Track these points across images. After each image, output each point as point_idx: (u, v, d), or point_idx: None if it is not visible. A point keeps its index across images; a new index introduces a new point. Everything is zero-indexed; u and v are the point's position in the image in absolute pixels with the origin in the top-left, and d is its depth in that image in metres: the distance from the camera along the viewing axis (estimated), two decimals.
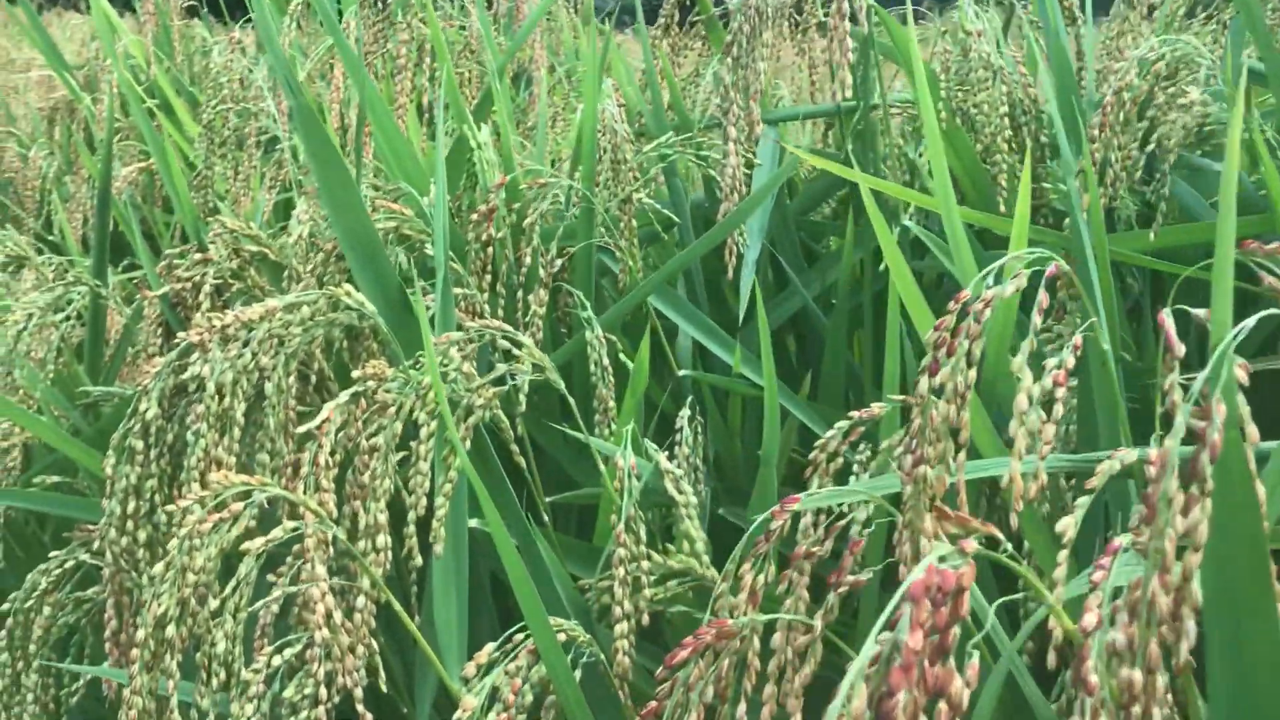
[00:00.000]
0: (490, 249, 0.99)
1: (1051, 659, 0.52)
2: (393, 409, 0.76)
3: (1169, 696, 0.45)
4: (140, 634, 0.68)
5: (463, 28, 1.52)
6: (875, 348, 1.07)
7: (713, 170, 1.12)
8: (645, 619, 0.76)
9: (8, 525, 1.10)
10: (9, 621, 0.92)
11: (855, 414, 0.73)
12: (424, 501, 0.76)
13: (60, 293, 1.14)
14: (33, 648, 0.92)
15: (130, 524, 0.82)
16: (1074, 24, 1.24)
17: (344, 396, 0.76)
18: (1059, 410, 0.55)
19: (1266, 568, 0.48)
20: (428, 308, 0.85)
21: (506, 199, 1.01)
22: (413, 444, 0.77)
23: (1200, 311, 0.52)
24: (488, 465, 0.81)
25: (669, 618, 0.83)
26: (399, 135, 1.04)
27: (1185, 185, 1.01)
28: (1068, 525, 0.51)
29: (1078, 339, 0.56)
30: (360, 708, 0.72)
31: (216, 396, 0.80)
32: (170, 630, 0.68)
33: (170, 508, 0.71)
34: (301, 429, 0.76)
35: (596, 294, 1.05)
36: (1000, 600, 0.53)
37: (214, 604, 0.69)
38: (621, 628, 0.74)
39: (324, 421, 0.74)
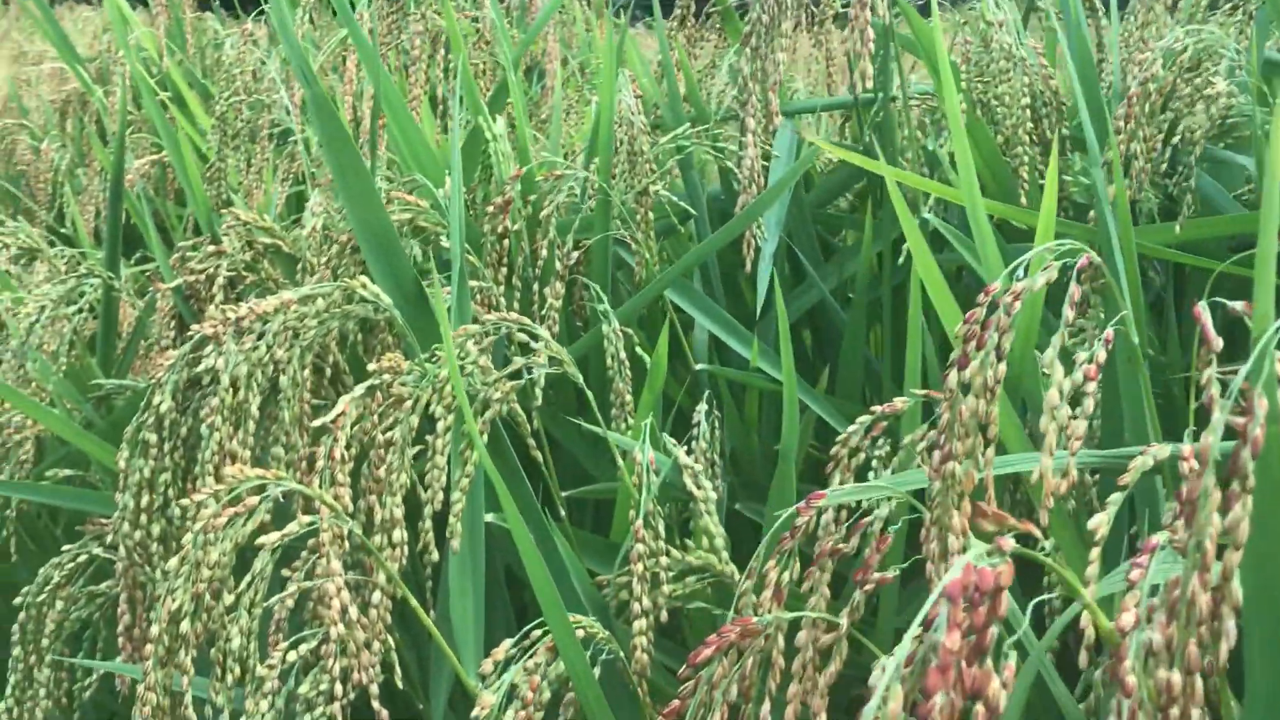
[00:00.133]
0: (506, 241, 0.98)
1: (1083, 659, 0.51)
2: (409, 402, 0.75)
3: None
4: (154, 629, 0.67)
5: (475, 20, 1.51)
6: (894, 342, 1.06)
7: (729, 162, 1.11)
8: (664, 615, 0.75)
9: (20, 518, 1.10)
10: (21, 615, 0.92)
11: (877, 409, 0.72)
12: (440, 496, 0.75)
13: (73, 285, 1.13)
14: (45, 642, 0.92)
15: (144, 518, 0.81)
16: (1094, 16, 1.23)
17: (359, 390, 0.76)
18: (1090, 405, 0.54)
19: None
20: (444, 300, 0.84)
21: (522, 191, 1.00)
22: (429, 438, 0.76)
23: (1237, 304, 0.51)
24: (504, 459, 0.80)
25: (687, 614, 0.83)
26: (414, 127, 1.03)
27: (1208, 178, 1.00)
28: (1100, 522, 0.50)
29: (1109, 333, 0.55)
30: (376, 704, 0.71)
31: (231, 389, 0.79)
32: (185, 625, 0.67)
33: (185, 502, 0.70)
34: (316, 422, 0.75)
35: (612, 287, 1.04)
36: (1033, 600, 0.52)
37: (229, 599, 0.69)
38: (640, 624, 0.73)
39: (339, 415, 0.74)
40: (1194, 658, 0.42)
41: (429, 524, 0.77)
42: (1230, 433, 0.44)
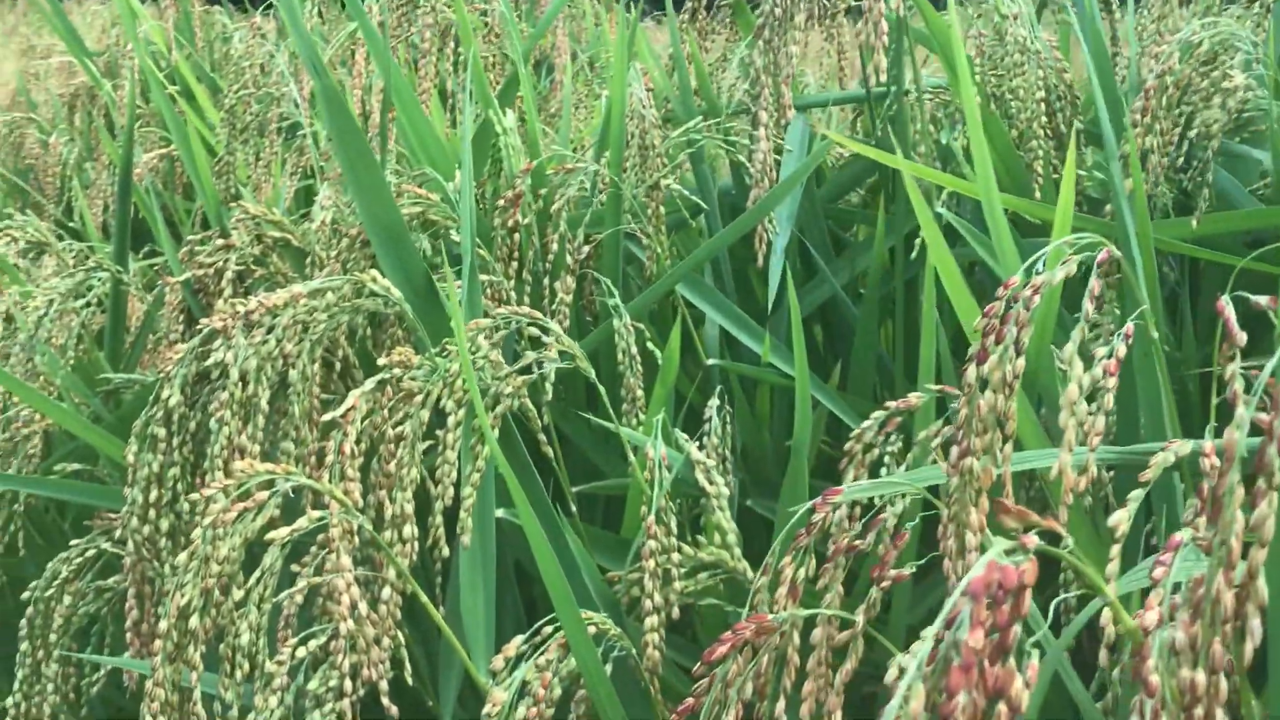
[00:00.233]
0: (516, 235, 0.97)
1: (1103, 657, 0.50)
2: (419, 397, 0.75)
3: None
4: (163, 624, 0.67)
5: (484, 14, 1.50)
6: (907, 338, 1.05)
7: (741, 156, 1.10)
8: (676, 612, 0.75)
9: (28, 513, 1.10)
10: (29, 610, 0.91)
11: (892, 404, 0.71)
12: (451, 491, 0.74)
13: (81, 279, 1.13)
14: (53, 637, 0.92)
15: (152, 512, 0.81)
16: (1109, 10, 1.22)
17: (370, 384, 0.75)
18: (1109, 401, 0.54)
19: None
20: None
21: (532, 185, 0.99)
22: (439, 433, 0.75)
23: (1262, 299, 0.50)
24: (515, 455, 0.79)
25: (699, 610, 0.82)
26: (424, 119, 1.02)
27: (1224, 172, 0.99)
28: (1120, 519, 0.49)
29: (1129, 327, 0.55)
30: (385, 700, 0.71)
31: (240, 383, 0.78)
32: (194, 621, 0.67)
33: (194, 496, 0.70)
34: (326, 417, 0.75)
35: (622, 282, 1.03)
36: (1045, 598, 0.52)
37: (238, 594, 0.68)
38: (652, 621, 0.73)
39: (350, 410, 0.73)
40: (1218, 657, 0.41)
41: (439, 519, 0.76)
42: (1254, 429, 0.43)
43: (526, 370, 0.80)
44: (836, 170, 1.22)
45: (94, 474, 1.06)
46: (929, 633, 0.36)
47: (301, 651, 0.69)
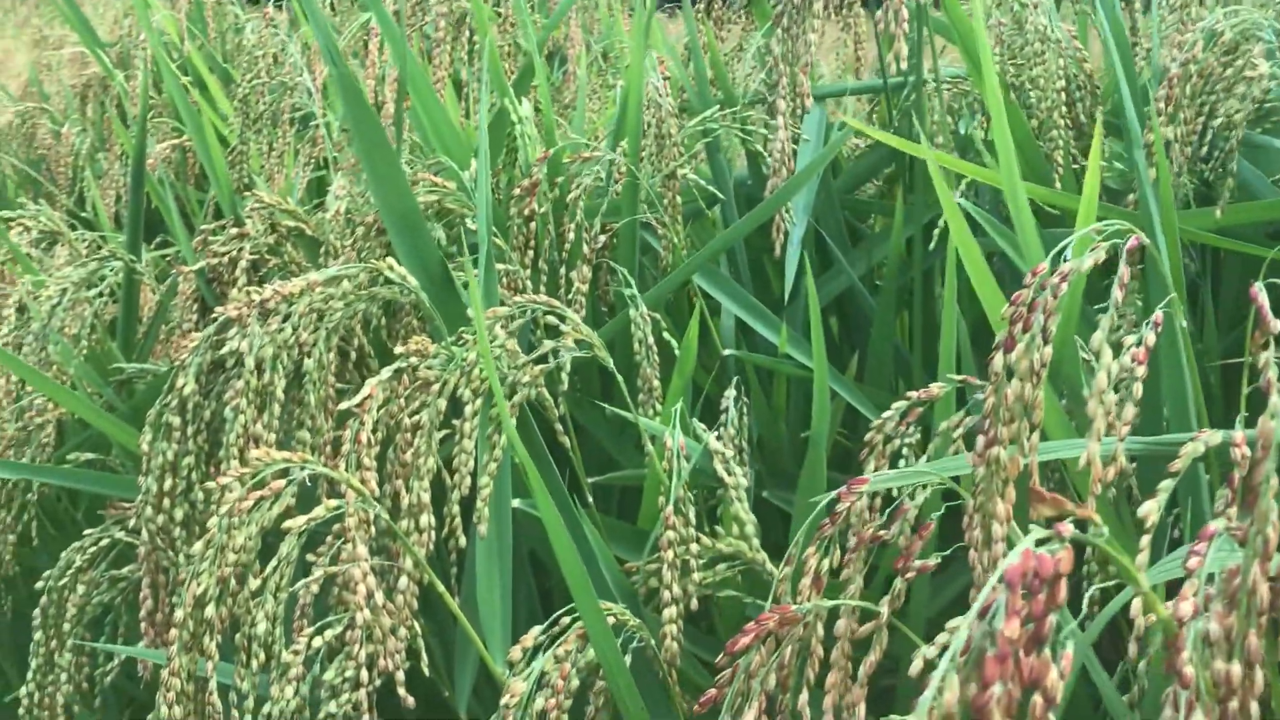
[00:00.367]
0: (532, 224, 0.97)
1: (1132, 649, 0.50)
2: (436, 386, 0.74)
3: None
4: (179, 614, 0.66)
5: (498, 4, 1.50)
6: (924, 328, 1.05)
7: (757, 146, 1.09)
8: (694, 603, 0.74)
9: (40, 502, 1.09)
10: (43, 599, 0.91)
11: (913, 394, 0.70)
12: (468, 480, 0.74)
13: (94, 268, 1.12)
14: (67, 626, 0.91)
15: (167, 501, 0.80)
16: (1128, 1, 1.21)
17: (386, 373, 0.74)
18: (1138, 390, 0.53)
19: None
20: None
21: (548, 174, 0.99)
22: (455, 422, 0.75)
23: None
24: (532, 444, 0.79)
25: (716, 602, 0.81)
26: (439, 108, 1.02)
27: (1245, 163, 0.98)
28: (1150, 510, 0.49)
29: (1158, 315, 0.54)
30: (401, 690, 0.70)
31: (256, 372, 0.78)
32: (210, 610, 0.66)
33: (210, 485, 0.69)
34: (342, 406, 0.74)
35: (638, 272, 1.02)
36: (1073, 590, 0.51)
37: (254, 584, 0.68)
38: (670, 612, 0.72)
39: (366, 398, 0.73)
40: (1254, 649, 0.41)
41: (456, 509, 0.76)
42: None
43: (543, 359, 0.79)
44: (853, 161, 1.21)
45: (106, 463, 1.06)
46: (962, 623, 0.35)
47: (317, 641, 0.68)
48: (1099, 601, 0.66)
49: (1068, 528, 0.36)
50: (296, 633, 0.71)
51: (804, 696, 0.53)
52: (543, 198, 0.97)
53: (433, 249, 0.86)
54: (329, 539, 0.73)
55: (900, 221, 1.03)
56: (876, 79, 1.19)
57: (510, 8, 1.43)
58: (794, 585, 0.56)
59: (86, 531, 0.92)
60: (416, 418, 0.74)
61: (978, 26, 0.78)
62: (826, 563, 0.54)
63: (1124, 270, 0.53)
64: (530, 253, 0.98)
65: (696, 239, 1.16)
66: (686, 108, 1.18)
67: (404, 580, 0.72)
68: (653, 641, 0.71)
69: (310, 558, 0.73)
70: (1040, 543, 0.37)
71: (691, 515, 0.75)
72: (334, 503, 0.67)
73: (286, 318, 0.79)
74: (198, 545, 0.65)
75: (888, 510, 0.58)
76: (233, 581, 0.68)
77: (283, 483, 0.66)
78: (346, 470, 0.72)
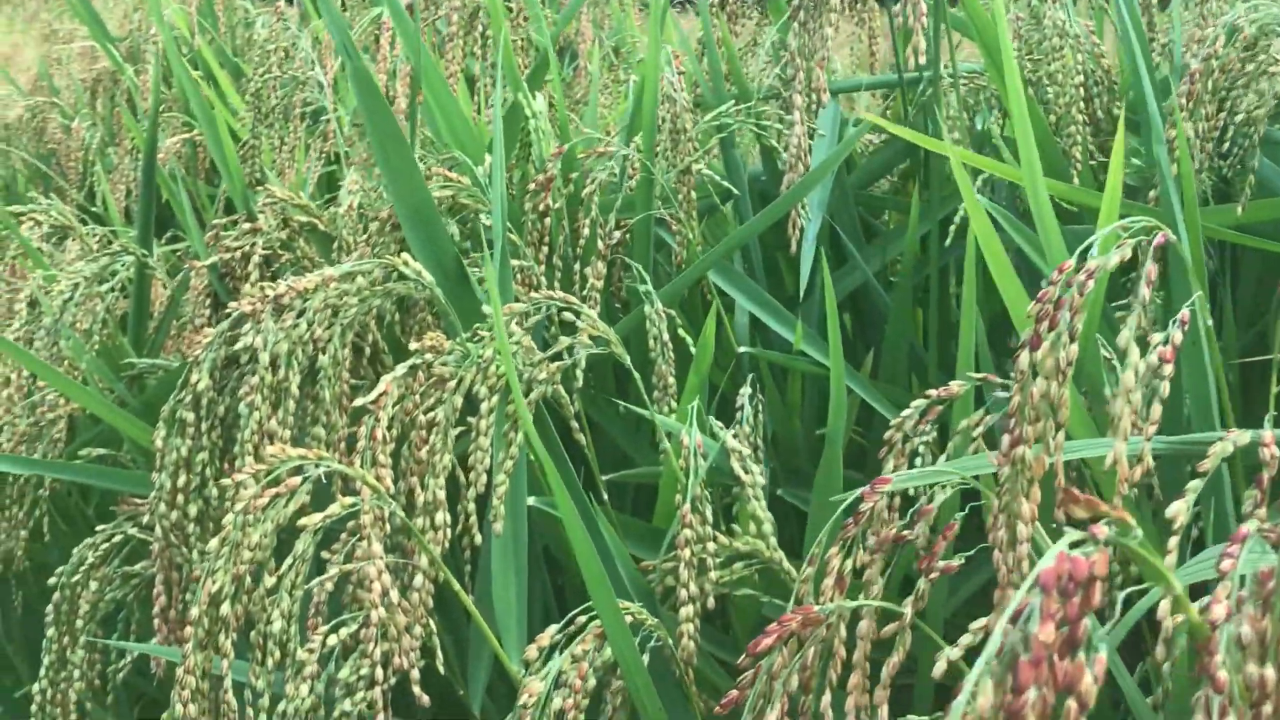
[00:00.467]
0: (547, 220, 0.96)
1: (1160, 652, 0.49)
2: (452, 383, 0.74)
3: None
4: (194, 611, 0.66)
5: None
6: (940, 325, 1.04)
7: (773, 141, 1.09)
8: (711, 602, 0.74)
9: (52, 498, 1.09)
10: (55, 596, 0.91)
11: (932, 393, 0.70)
12: (483, 478, 0.73)
13: (105, 263, 1.12)
14: (79, 623, 0.91)
15: (180, 498, 0.80)
16: None
17: (401, 369, 0.74)
18: (1165, 389, 0.52)
19: None
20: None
21: (562, 169, 0.98)
22: (471, 419, 0.74)
23: None
24: (548, 442, 0.78)
25: (733, 600, 0.81)
26: (453, 102, 1.01)
27: (1265, 159, 0.97)
28: (1179, 510, 0.48)
29: (1184, 313, 0.53)
30: (416, 689, 0.70)
31: (270, 368, 0.77)
32: (225, 608, 0.66)
33: (224, 482, 0.69)
34: (357, 402, 0.74)
35: (653, 268, 1.02)
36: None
37: (269, 581, 0.67)
38: (687, 611, 0.72)
39: (381, 395, 0.72)
40: None
41: (471, 506, 0.75)
42: None
43: (559, 356, 0.79)
44: (867, 156, 1.21)
45: (118, 459, 1.06)
46: (994, 626, 0.35)
47: (332, 639, 0.68)
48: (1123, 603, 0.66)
49: (1103, 530, 0.35)
50: (311, 630, 0.70)
51: (826, 698, 0.52)
52: (557, 193, 0.97)
53: (448, 244, 0.85)
54: (344, 536, 0.73)
55: (916, 218, 1.02)
56: (891, 74, 1.19)
57: (522, 2, 1.43)
58: (816, 585, 0.55)
59: (99, 528, 0.92)
60: (432, 414, 0.74)
61: (999, 21, 0.77)
62: (849, 563, 0.54)
63: (1150, 267, 0.52)
64: (544, 249, 0.97)
65: (711, 235, 1.15)
66: (701, 103, 1.17)
67: (419, 578, 0.71)
68: (669, 641, 0.70)
69: (325, 555, 0.73)
70: (1073, 545, 0.36)
71: (708, 513, 0.74)
72: (349, 500, 0.67)
73: (301, 313, 0.79)
74: (213, 542, 0.65)
75: (909, 511, 0.57)
76: (248, 579, 0.67)
77: (298, 480, 0.66)
78: (361, 467, 0.71)
